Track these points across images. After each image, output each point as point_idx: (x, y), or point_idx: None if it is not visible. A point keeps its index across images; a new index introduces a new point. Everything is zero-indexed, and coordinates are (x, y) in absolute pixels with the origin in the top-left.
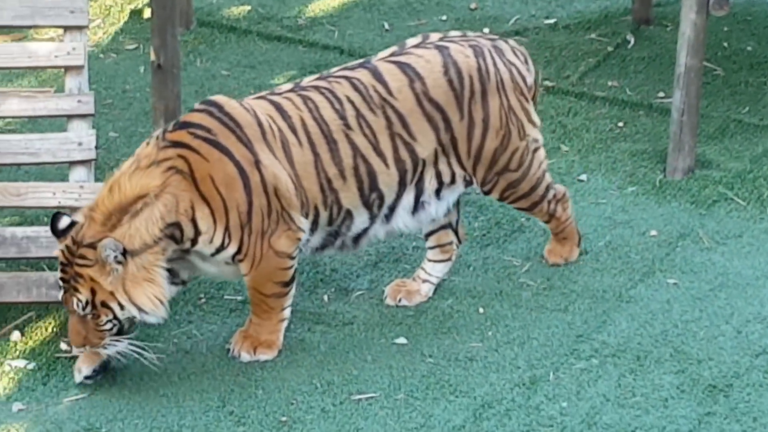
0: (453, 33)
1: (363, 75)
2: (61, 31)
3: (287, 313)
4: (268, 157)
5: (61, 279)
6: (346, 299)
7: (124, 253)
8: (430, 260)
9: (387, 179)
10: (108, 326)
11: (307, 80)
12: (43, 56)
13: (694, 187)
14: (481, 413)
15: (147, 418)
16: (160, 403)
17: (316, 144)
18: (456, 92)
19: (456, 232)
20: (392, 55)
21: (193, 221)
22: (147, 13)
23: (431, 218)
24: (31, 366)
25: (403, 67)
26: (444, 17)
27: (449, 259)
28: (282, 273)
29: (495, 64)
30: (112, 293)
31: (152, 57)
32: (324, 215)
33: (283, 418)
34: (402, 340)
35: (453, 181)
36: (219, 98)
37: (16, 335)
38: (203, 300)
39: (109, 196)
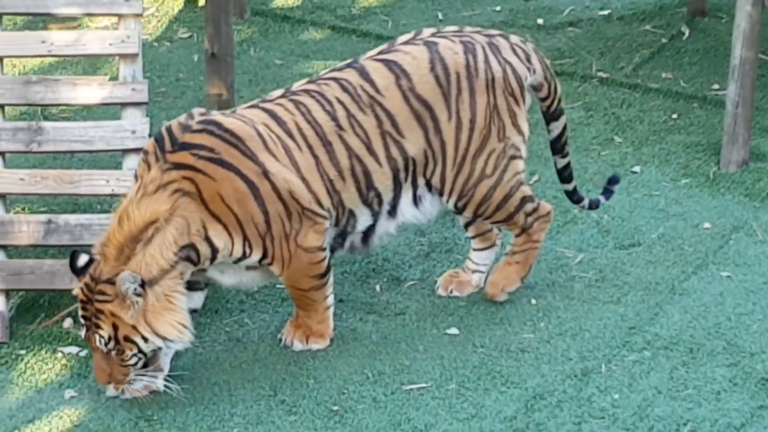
0: (448, 28)
1: (351, 75)
2: (115, 19)
3: (331, 300)
4: (275, 166)
5: (83, 317)
6: (398, 289)
7: (143, 284)
8: (474, 249)
9: (381, 178)
10: (133, 361)
11: (297, 84)
12: (98, 44)
13: (748, 179)
14: (532, 404)
15: (199, 407)
16: (212, 391)
17: (314, 147)
18: (443, 89)
19: None
20: (380, 53)
21: (208, 240)
22: (201, 2)
23: (435, 209)
24: (83, 353)
25: (390, 64)
26: (498, 8)
27: (493, 245)
28: (316, 267)
29: (487, 61)
30: (134, 327)
31: (206, 46)
32: (332, 217)
33: (335, 408)
34: (454, 331)
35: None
36: (216, 116)
37: (68, 322)
38: (256, 289)
39: (120, 228)
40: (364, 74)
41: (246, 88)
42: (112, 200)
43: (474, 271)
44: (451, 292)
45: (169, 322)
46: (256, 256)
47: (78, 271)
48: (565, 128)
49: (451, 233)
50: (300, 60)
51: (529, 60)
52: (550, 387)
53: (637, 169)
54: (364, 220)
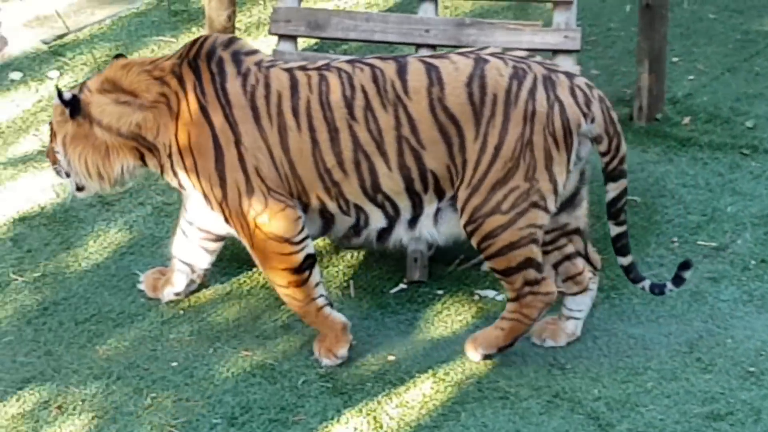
0: (517, 52)
1: (389, 67)
2: None
3: (321, 301)
4: (251, 141)
5: None
6: None
7: (76, 106)
8: (567, 295)
9: (390, 183)
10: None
11: (342, 59)
12: None
13: None
14: None
15: (613, 358)
16: (627, 344)
17: (317, 130)
18: (474, 107)
19: (588, 260)
20: (436, 56)
21: (170, 159)
22: None
23: (455, 231)
24: (500, 297)
25: (430, 69)
26: None
27: (586, 290)
28: (285, 259)
29: (532, 93)
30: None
31: None
32: (332, 205)
33: (751, 369)
34: None
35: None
36: (233, 67)
37: (486, 265)
38: (676, 243)
39: (115, 70)
40: (401, 70)
41: (677, 41)
42: None
43: (568, 318)
44: (544, 340)
45: (86, 158)
46: (217, 211)
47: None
48: (623, 193)
49: None
50: (734, 15)
51: (588, 106)
52: None
53: None
54: (376, 220)
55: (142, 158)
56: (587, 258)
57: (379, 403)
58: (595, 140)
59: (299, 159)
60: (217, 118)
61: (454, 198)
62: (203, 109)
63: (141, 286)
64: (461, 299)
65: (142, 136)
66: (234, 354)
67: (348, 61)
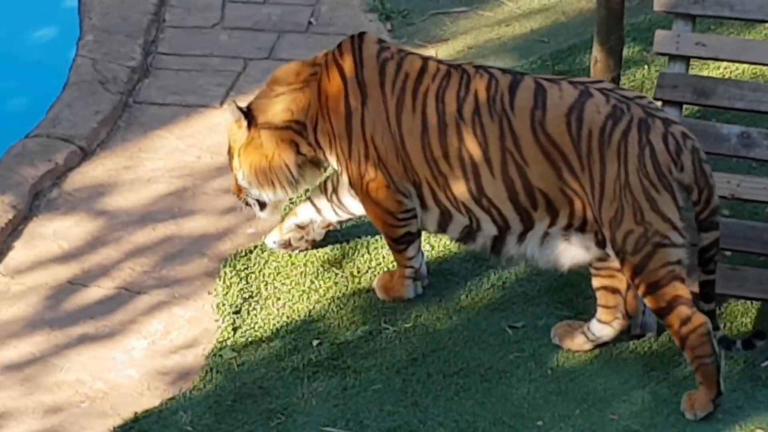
0: (630, 92)
1: (504, 80)
2: None
3: (409, 272)
4: (374, 109)
5: None
6: None
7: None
8: (595, 318)
9: (494, 190)
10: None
11: (473, 65)
12: None
13: None
14: None
15: None
16: None
17: (428, 118)
18: (573, 138)
19: (625, 301)
20: (551, 80)
21: (314, 130)
22: None
23: (557, 259)
24: None
25: (538, 91)
26: None
27: (610, 324)
28: (389, 228)
29: (625, 134)
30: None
31: None
32: (442, 196)
33: None
34: None
35: (582, 228)
36: (366, 36)
37: None
38: None
39: (277, 71)
40: (513, 87)
41: None
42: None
43: (584, 333)
44: (554, 337)
45: (256, 167)
46: (344, 174)
47: None
48: (714, 243)
49: None
50: None
51: (678, 154)
52: None
53: None
54: (487, 226)
55: (298, 151)
56: (625, 300)
57: None
58: (685, 189)
59: (409, 138)
60: (351, 81)
61: (567, 228)
62: (341, 74)
63: (555, 340)
64: None
65: (294, 120)
66: (600, 417)
67: (476, 66)
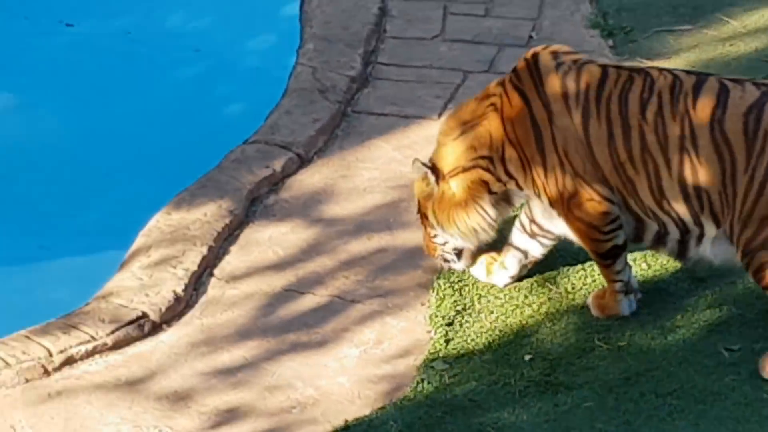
0: None
1: (688, 81)
2: None
3: (618, 286)
4: (563, 121)
5: None
6: None
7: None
8: None
9: (672, 192)
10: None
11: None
12: None
13: None
14: None
15: None
16: None
17: (613, 123)
18: (747, 138)
19: None
20: (735, 79)
21: (503, 160)
22: None
23: (721, 258)
24: None
25: (721, 91)
26: None
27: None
28: (595, 244)
29: None
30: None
31: None
32: (632, 202)
33: None
34: None
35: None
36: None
37: None
38: None
39: (450, 115)
40: (697, 87)
41: None
42: None
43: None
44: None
45: (454, 218)
46: (543, 197)
47: None
48: None
49: None
50: None
51: None
52: None
53: None
54: (672, 228)
55: (489, 190)
56: None
57: None
58: None
59: (597, 147)
60: (533, 100)
61: (724, 230)
62: (522, 96)
63: (763, 374)
64: None
65: (480, 156)
66: None
67: (659, 69)
